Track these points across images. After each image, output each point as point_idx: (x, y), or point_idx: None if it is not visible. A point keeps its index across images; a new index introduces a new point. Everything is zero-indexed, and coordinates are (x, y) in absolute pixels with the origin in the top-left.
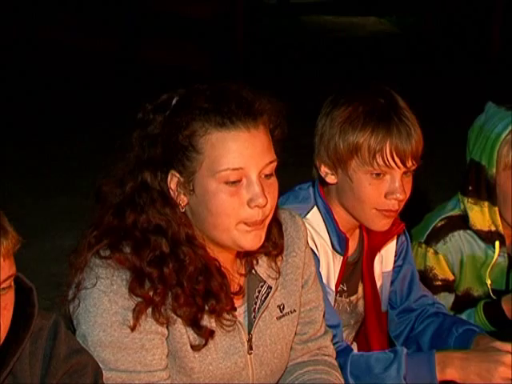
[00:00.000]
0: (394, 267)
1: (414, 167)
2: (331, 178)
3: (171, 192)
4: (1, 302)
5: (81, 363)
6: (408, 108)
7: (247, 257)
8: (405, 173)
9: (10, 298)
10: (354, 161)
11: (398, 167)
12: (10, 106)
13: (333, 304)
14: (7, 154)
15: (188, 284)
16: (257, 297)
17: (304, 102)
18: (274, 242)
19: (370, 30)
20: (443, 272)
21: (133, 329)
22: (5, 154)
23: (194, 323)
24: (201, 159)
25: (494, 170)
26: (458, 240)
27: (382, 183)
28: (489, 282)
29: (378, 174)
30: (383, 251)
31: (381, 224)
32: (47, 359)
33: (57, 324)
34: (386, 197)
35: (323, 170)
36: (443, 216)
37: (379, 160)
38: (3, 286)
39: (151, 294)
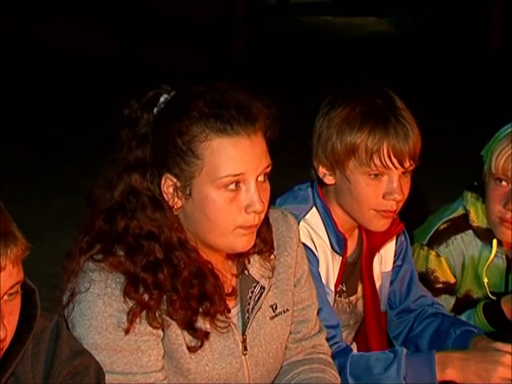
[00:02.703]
0: (393, 267)
1: (411, 167)
2: (329, 179)
3: (164, 195)
4: (8, 307)
5: (83, 364)
6: (406, 108)
7: (239, 257)
8: (403, 173)
9: (16, 304)
10: (351, 161)
11: (396, 168)
12: (10, 106)
13: (332, 304)
14: (7, 154)
15: (183, 288)
16: (250, 297)
17: (303, 102)
18: (264, 238)
19: (369, 31)
20: (444, 275)
21: (127, 332)
22: (5, 154)
23: (188, 326)
24: (200, 165)
25: (486, 167)
26: (461, 243)
27: (379, 184)
28: (486, 280)
29: (375, 175)
30: (382, 251)
31: (379, 225)
32: (49, 361)
33: (59, 325)
34: (384, 197)
35: (321, 170)
36: (446, 219)
37: (376, 160)
38: (11, 291)
39: (146, 298)
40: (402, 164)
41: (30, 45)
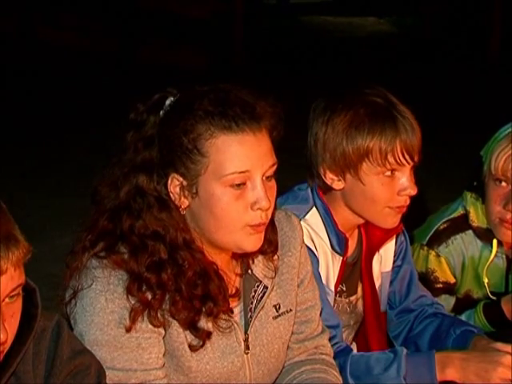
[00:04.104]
0: (393, 267)
1: (418, 161)
2: (338, 184)
3: (171, 195)
4: (9, 309)
5: (84, 364)
6: (400, 103)
7: (243, 257)
8: (412, 167)
9: (17, 306)
10: (364, 164)
11: (408, 163)
12: (9, 106)
13: (332, 304)
14: (7, 154)
15: (186, 288)
16: (253, 296)
17: (304, 102)
18: (269, 239)
19: (369, 30)
20: (444, 275)
21: (128, 330)
22: (5, 154)
23: (191, 326)
24: (206, 162)
25: (486, 167)
26: (461, 243)
27: (393, 181)
28: (486, 280)
29: (390, 173)
30: (382, 251)
31: (393, 221)
32: (50, 360)
33: (60, 325)
34: (398, 194)
35: (329, 177)
36: (446, 219)
37: (391, 159)
38: (12, 294)
39: (149, 297)
40: (413, 158)
41: (30, 44)
